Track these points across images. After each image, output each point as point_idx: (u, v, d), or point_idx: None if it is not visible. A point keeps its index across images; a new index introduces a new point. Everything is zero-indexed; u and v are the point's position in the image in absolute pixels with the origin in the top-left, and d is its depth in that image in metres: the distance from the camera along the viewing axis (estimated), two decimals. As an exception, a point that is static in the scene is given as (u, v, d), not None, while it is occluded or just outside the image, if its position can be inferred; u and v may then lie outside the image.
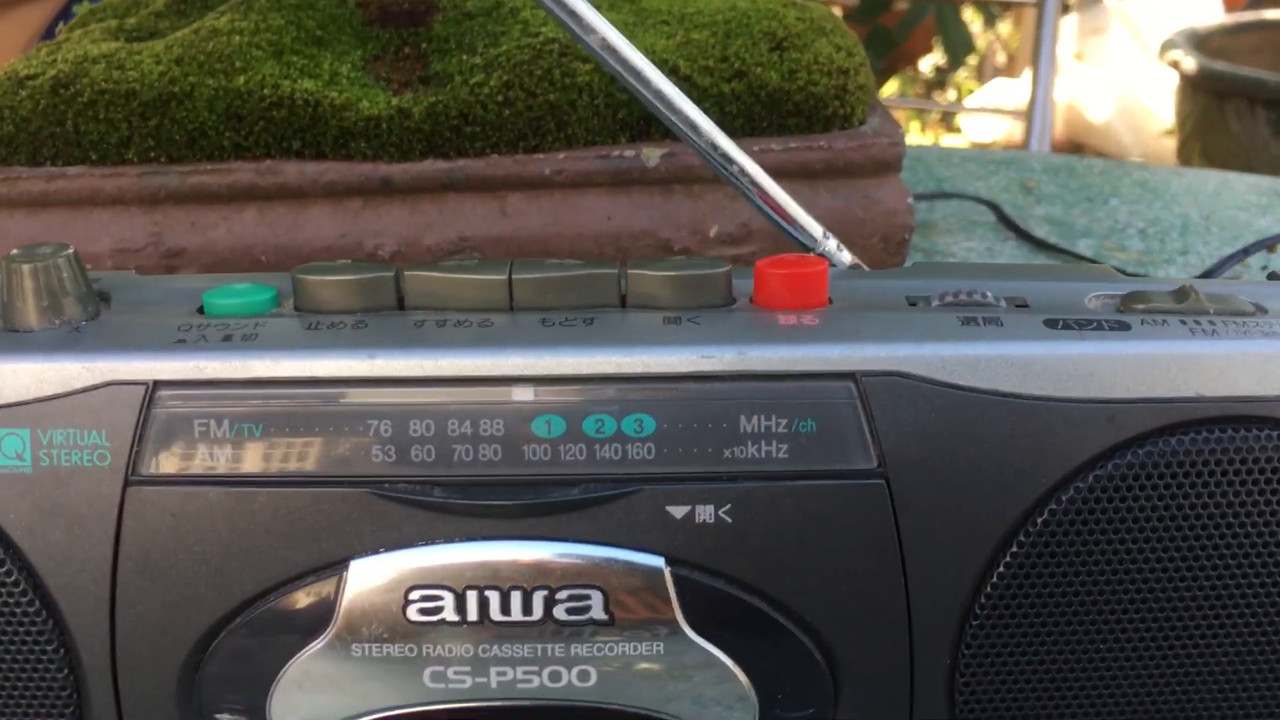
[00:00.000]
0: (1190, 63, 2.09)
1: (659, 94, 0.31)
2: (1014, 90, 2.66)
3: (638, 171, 0.50)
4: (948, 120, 2.84)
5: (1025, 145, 1.73)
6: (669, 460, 0.28)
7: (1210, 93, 2.09)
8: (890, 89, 2.74)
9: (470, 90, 0.50)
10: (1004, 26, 3.14)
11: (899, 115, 2.76)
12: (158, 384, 0.28)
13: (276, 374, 0.28)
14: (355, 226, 0.50)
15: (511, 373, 0.28)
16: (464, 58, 0.51)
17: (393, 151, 0.49)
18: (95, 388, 0.28)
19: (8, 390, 0.28)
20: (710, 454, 0.28)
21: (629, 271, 0.30)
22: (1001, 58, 3.22)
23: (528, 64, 0.50)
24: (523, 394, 0.28)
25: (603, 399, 0.28)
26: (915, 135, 2.78)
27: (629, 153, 0.50)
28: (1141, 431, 0.28)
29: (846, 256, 0.32)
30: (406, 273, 0.30)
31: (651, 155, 0.50)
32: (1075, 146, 2.64)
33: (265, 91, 0.49)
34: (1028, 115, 1.76)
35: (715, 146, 0.31)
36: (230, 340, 0.29)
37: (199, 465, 0.28)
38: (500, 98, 0.49)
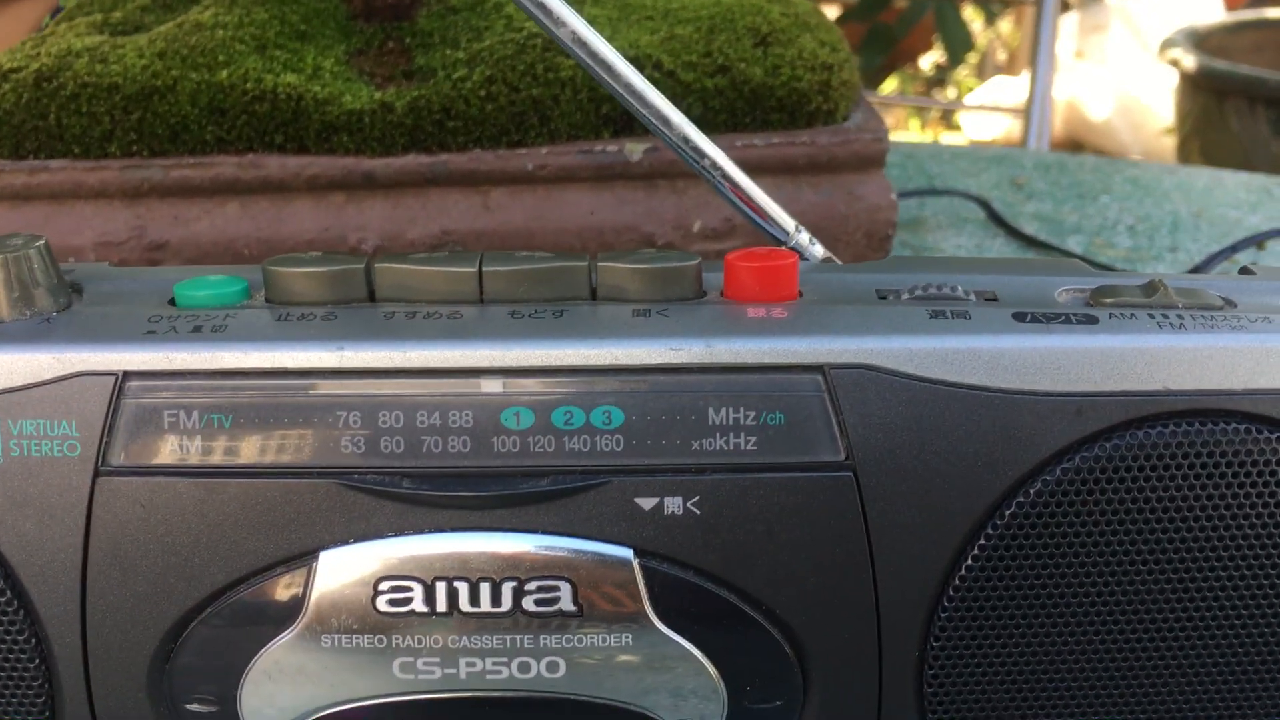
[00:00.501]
0: (1190, 61, 2.09)
1: (629, 87, 0.31)
2: (1014, 88, 2.66)
3: (621, 166, 0.50)
4: (947, 118, 2.84)
5: (1024, 143, 1.73)
6: (638, 452, 0.28)
7: (1210, 91, 2.09)
8: (890, 86, 2.74)
9: (453, 85, 0.50)
10: (1004, 24, 3.13)
11: (898, 113, 2.77)
12: (127, 375, 0.28)
13: (246, 365, 0.28)
14: (338, 220, 0.50)
15: (480, 364, 0.28)
16: (447, 52, 0.51)
17: (375, 146, 0.49)
18: (65, 378, 0.28)
19: (-22, 381, 0.28)
20: (679, 446, 0.28)
21: (599, 264, 0.30)
22: (1002, 55, 3.22)
23: (511, 59, 0.50)
24: (491, 386, 0.28)
25: (571, 391, 0.28)
26: (915, 133, 2.78)
27: (612, 147, 0.50)
28: (1109, 425, 0.28)
29: (819, 250, 0.32)
30: (377, 265, 0.30)
31: (635, 150, 0.50)
32: (1075, 144, 2.63)
33: (248, 85, 0.49)
34: (1026, 113, 1.76)
35: (687, 140, 0.31)
36: (200, 331, 0.29)
37: (169, 456, 0.28)
38: (483, 92, 0.49)
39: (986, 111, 2.70)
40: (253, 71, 0.49)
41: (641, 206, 0.51)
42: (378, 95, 0.49)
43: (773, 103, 0.51)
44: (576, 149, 0.50)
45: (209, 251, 0.50)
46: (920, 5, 2.10)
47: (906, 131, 2.75)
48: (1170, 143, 2.38)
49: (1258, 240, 0.70)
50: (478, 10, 0.53)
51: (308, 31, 0.52)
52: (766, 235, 0.32)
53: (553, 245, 0.51)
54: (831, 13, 2.12)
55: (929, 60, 3.08)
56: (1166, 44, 2.17)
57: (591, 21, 0.31)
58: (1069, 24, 2.86)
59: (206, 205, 0.49)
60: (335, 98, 0.49)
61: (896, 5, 2.16)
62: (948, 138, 2.77)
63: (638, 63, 0.49)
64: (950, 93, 3.04)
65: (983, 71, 3.11)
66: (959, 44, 2.15)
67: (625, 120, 0.51)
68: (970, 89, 3.00)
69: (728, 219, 0.50)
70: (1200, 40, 2.23)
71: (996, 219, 0.75)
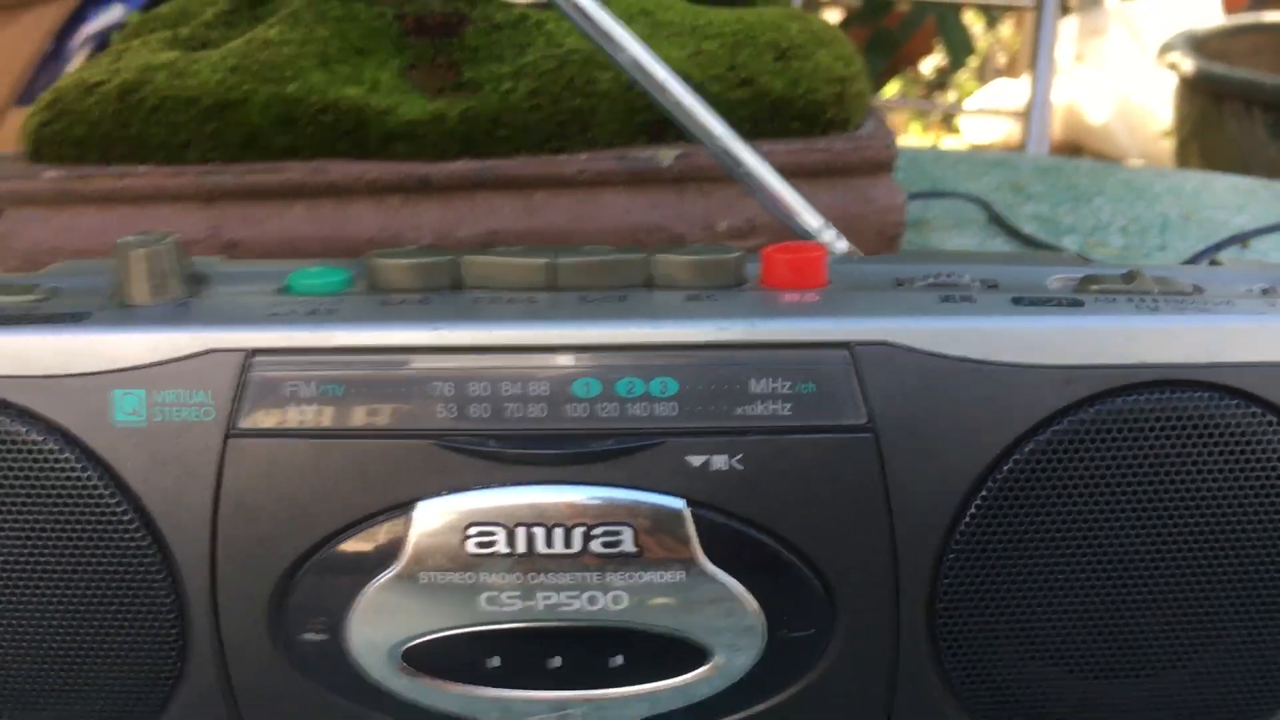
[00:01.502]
0: (1188, 65, 2.13)
1: (677, 102, 0.36)
2: (1014, 91, 2.70)
3: (653, 171, 0.55)
4: (948, 120, 2.88)
5: (1024, 146, 1.77)
6: (689, 417, 0.33)
7: (1208, 94, 2.13)
8: (892, 90, 2.78)
9: (501, 96, 0.54)
10: (1005, 29, 3.18)
11: (901, 116, 2.81)
12: (254, 351, 0.33)
13: (355, 343, 0.33)
14: (395, 221, 0.55)
15: (555, 342, 0.33)
16: (494, 67, 0.56)
17: (430, 152, 0.54)
18: (200, 354, 0.33)
19: (126, 357, 0.33)
20: (724, 411, 0.33)
21: (654, 257, 0.35)
22: (1002, 59, 3.26)
23: (553, 72, 0.55)
24: (565, 360, 0.33)
25: (633, 364, 0.33)
26: (916, 136, 2.82)
27: (645, 154, 0.55)
28: (1093, 392, 0.33)
29: (843, 244, 0.37)
30: (464, 258, 0.35)
31: (666, 156, 0.55)
32: (1074, 148, 2.68)
33: (314, 98, 0.53)
34: (1026, 116, 1.80)
35: (726, 147, 0.36)
36: (315, 314, 0.33)
37: (288, 421, 0.33)
38: (528, 103, 0.54)
39: (987, 115, 2.74)
40: (318, 85, 0.54)
41: (672, 208, 0.55)
42: (431, 106, 0.54)
43: (792, 113, 0.55)
44: (613, 155, 0.55)
45: (276, 250, 0.54)
46: (922, 10, 2.15)
47: (908, 134, 2.79)
48: (1169, 146, 2.41)
49: (1242, 239, 0.74)
50: (520, 28, 0.58)
51: (366, 48, 0.57)
52: (797, 231, 0.37)
53: (590, 244, 0.55)
54: (834, 17, 2.17)
55: (930, 64, 3.12)
56: (1165, 48, 2.21)
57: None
58: (1068, 28, 2.90)
59: (276, 207, 0.54)
60: (393, 108, 0.54)
61: (899, 10, 2.20)
62: (948, 140, 2.81)
63: (668, 76, 0.53)
64: (951, 96, 3.08)
65: (983, 75, 3.15)
66: (960, 48, 2.20)
67: (657, 129, 0.55)
68: (971, 92, 3.04)
69: (750, 219, 0.55)
70: (1199, 44, 2.27)
71: (997, 219, 0.80)
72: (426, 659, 0.34)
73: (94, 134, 0.53)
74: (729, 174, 0.36)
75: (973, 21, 2.58)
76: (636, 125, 0.55)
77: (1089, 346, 0.33)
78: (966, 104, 2.90)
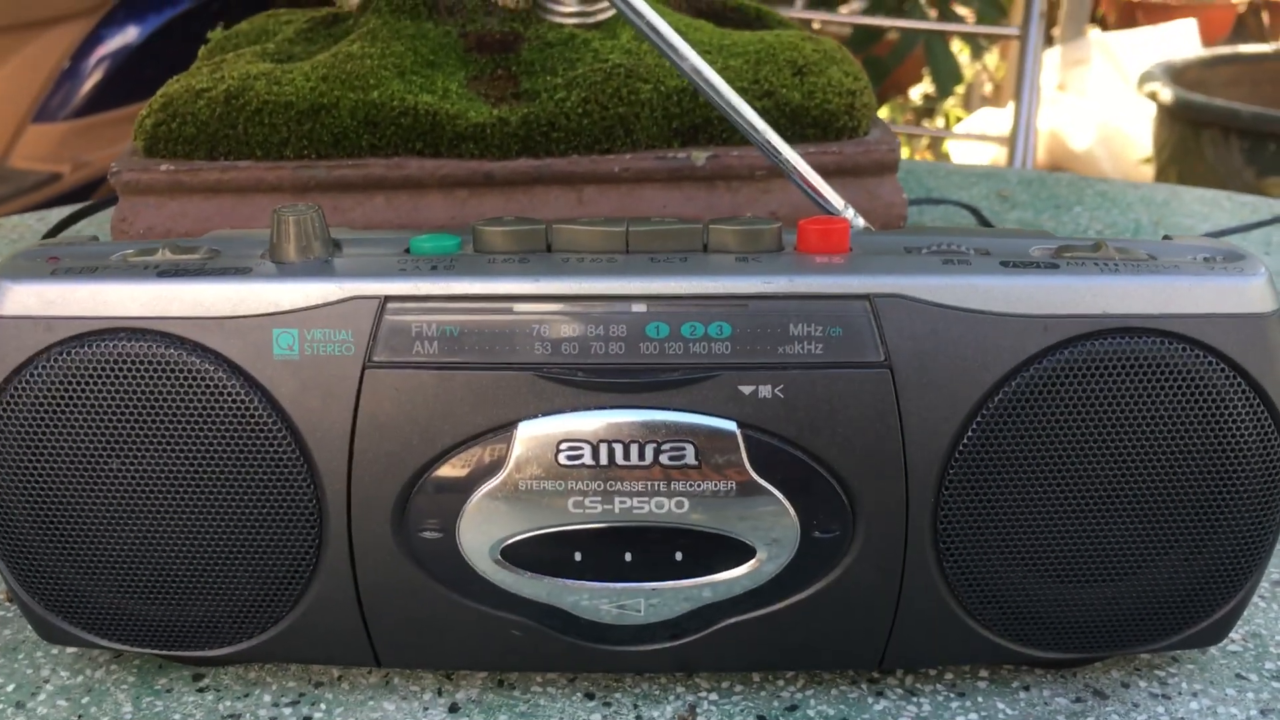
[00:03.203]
0: (1168, 94, 2.21)
1: (728, 101, 0.43)
2: (999, 118, 2.79)
3: (688, 170, 0.63)
4: (936, 146, 2.98)
5: (1008, 168, 1.85)
6: (740, 354, 0.40)
7: (1187, 122, 2.22)
8: (882, 115, 2.86)
9: (555, 104, 0.62)
10: (991, 58, 3.28)
11: (890, 140, 2.88)
12: (387, 298, 0.40)
13: (470, 291, 0.40)
14: (462, 211, 0.62)
15: (631, 292, 0.40)
16: (547, 78, 0.64)
17: (494, 151, 0.62)
18: (344, 300, 0.40)
19: (283, 302, 0.40)
20: (769, 350, 0.40)
21: (709, 226, 0.42)
22: (988, 87, 3.36)
23: (600, 84, 0.63)
24: (639, 308, 0.40)
25: (695, 311, 0.40)
26: (905, 160, 2.90)
27: (681, 155, 0.62)
28: (1066, 338, 0.40)
29: (860, 221, 0.45)
30: (554, 225, 0.42)
31: (699, 157, 0.63)
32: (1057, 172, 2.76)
33: (394, 103, 0.61)
34: (1010, 142, 1.88)
35: (768, 140, 0.44)
36: (436, 270, 0.41)
37: (414, 355, 0.40)
38: (580, 110, 0.62)
39: (973, 140, 2.83)
40: (397, 92, 0.62)
41: (704, 202, 0.63)
42: (495, 112, 0.62)
43: (808, 120, 0.63)
44: (653, 156, 0.62)
45: (355, 236, 0.62)
46: (911, 39, 2.23)
47: (899, 158, 2.86)
48: (1149, 171, 2.50)
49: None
50: (570, 45, 0.66)
51: (435, 61, 0.65)
52: (824, 209, 0.45)
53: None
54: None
55: (919, 91, 3.22)
56: (1145, 77, 2.30)
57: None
58: (1052, 58, 3.00)
59: (359, 198, 0.62)
60: (463, 113, 0.62)
61: (889, 39, 2.29)
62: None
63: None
64: (939, 122, 3.18)
65: (970, 102, 3.25)
66: (947, 76, 2.28)
67: (692, 133, 0.63)
68: (958, 119, 3.14)
69: (773, 212, 0.63)
70: (1178, 74, 2.36)
71: (985, 223, 0.88)
72: (521, 554, 0.42)
73: (203, 133, 0.61)
74: (769, 160, 0.44)
75: (960, 50, 2.67)
76: (673, 130, 0.63)
77: (1063, 300, 0.40)
78: (954, 130, 2.98)
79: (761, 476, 0.41)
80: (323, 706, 0.45)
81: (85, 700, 0.45)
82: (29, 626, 0.47)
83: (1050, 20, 3.21)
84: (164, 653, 0.44)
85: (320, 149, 0.61)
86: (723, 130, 0.63)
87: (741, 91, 0.63)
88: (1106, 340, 0.40)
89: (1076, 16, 3.37)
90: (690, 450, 0.41)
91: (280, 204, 0.61)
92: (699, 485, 0.41)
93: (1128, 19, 3.53)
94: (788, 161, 0.43)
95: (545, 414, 0.40)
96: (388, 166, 0.61)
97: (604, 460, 0.41)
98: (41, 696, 0.45)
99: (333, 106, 0.61)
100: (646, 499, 0.41)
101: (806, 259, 0.42)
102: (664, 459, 0.41)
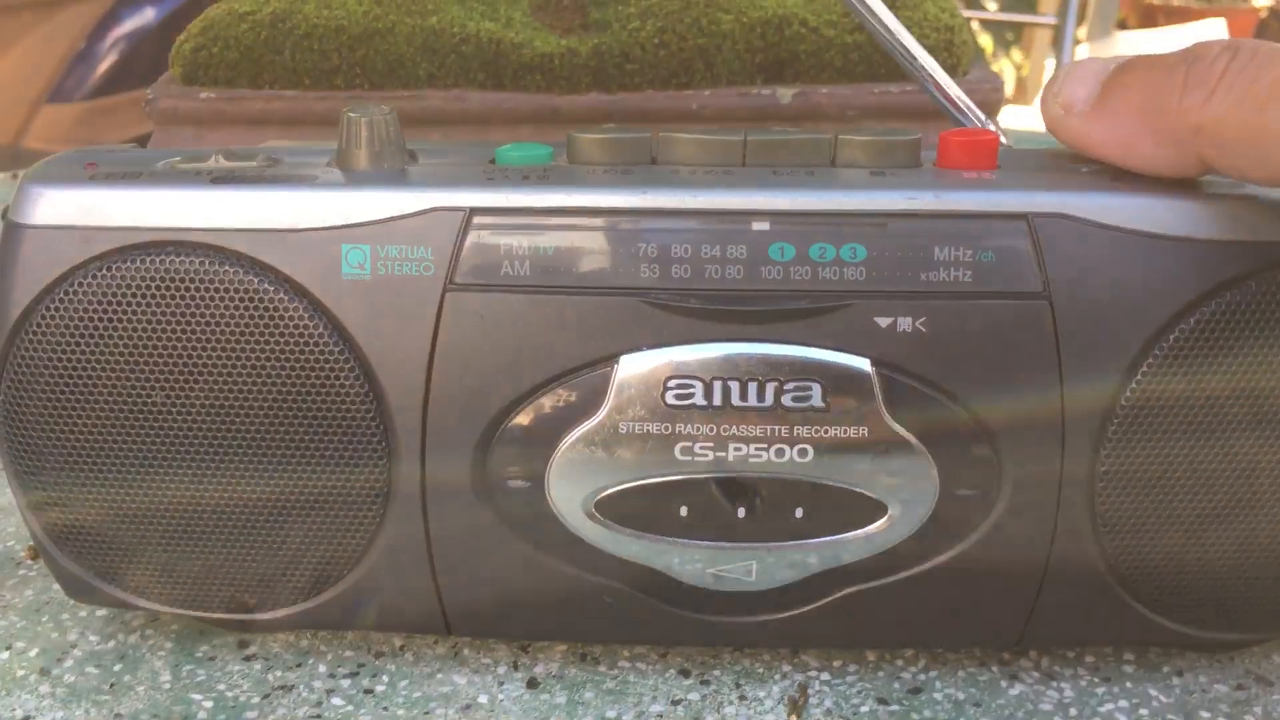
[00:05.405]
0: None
1: (886, 26, 0.39)
2: (1023, 117, 2.74)
3: (773, 108, 0.57)
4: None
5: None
6: (877, 281, 0.35)
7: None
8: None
9: (629, 34, 0.57)
10: (1015, 54, 3.22)
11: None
12: (473, 211, 0.35)
13: (567, 204, 0.35)
14: (526, 150, 0.57)
15: (752, 208, 0.35)
16: (620, 7, 0.59)
17: (561, 85, 0.57)
18: (423, 213, 0.35)
19: (354, 214, 0.35)
20: (910, 276, 0.35)
21: (839, 137, 0.37)
22: (1010, 88, 3.31)
23: (678, 13, 0.57)
24: (761, 225, 0.35)
25: (825, 229, 0.35)
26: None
27: (766, 91, 0.57)
28: (1249, 270, 0.35)
29: (1001, 138, 0.40)
30: (661, 134, 0.37)
31: (785, 94, 0.57)
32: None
33: (454, 29, 0.56)
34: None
35: (915, 58, 0.39)
36: (528, 179, 0.36)
37: (503, 276, 0.35)
38: (656, 40, 0.57)
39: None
40: (457, 18, 0.56)
41: (789, 144, 0.58)
42: (564, 42, 0.57)
43: (905, 57, 0.58)
44: (735, 92, 0.57)
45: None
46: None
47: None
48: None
49: None
50: (643, -26, 0.61)
51: (498, -12, 0.60)
52: (964, 124, 0.39)
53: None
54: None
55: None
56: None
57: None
58: (1079, 55, 2.94)
59: (416, 133, 0.57)
60: (528, 42, 0.57)
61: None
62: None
63: (785, 20, 0.56)
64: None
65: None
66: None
67: (775, 69, 0.58)
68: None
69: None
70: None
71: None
72: (619, 508, 0.36)
73: (246, 58, 0.56)
74: (909, 75, 0.39)
75: (984, 47, 2.62)
76: (756, 65, 0.58)
77: (1255, 222, 0.35)
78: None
79: (898, 423, 0.35)
80: (384, 679, 0.39)
81: (118, 668, 0.40)
82: (53, 586, 0.42)
83: (1078, 17, 3.15)
84: (207, 614, 0.39)
85: (373, 78, 0.56)
86: (810, 66, 0.57)
87: (831, 25, 0.58)
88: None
89: (1105, 14, 3.31)
90: (817, 391, 0.35)
91: (330, 137, 0.57)
92: (825, 431, 0.35)
93: (1148, 22, 3.48)
94: (932, 76, 0.38)
95: (651, 346, 0.35)
96: (447, 99, 0.56)
97: (717, 400, 0.35)
98: (69, 663, 0.40)
99: (388, 32, 0.56)
100: (765, 446, 0.36)
101: (951, 174, 0.36)
102: (786, 400, 0.35)
